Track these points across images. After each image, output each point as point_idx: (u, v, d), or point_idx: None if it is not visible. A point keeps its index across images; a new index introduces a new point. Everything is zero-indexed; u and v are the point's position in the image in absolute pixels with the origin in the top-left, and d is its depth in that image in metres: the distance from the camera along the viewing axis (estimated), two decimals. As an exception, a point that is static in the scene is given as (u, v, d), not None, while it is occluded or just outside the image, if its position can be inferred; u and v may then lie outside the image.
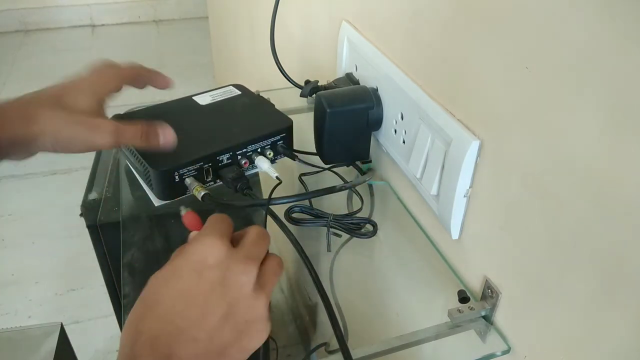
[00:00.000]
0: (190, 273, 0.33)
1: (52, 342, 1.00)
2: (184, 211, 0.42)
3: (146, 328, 0.32)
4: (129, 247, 0.62)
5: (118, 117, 0.62)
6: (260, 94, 0.72)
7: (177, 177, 0.56)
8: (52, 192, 1.98)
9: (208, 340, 0.32)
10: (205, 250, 0.34)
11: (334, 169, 0.68)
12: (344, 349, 0.42)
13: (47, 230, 1.84)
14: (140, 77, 0.54)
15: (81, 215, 0.86)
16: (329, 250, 0.59)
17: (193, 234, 0.39)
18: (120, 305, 0.57)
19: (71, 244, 1.81)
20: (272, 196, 0.55)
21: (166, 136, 0.50)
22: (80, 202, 0.88)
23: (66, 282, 1.70)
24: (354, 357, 0.45)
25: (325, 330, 0.59)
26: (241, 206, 0.59)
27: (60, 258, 1.78)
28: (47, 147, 0.44)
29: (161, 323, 0.32)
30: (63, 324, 1.05)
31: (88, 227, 0.84)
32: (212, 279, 0.33)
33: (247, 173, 0.60)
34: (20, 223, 1.87)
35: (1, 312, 1.60)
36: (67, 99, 0.45)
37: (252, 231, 0.37)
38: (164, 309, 0.33)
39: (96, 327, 1.56)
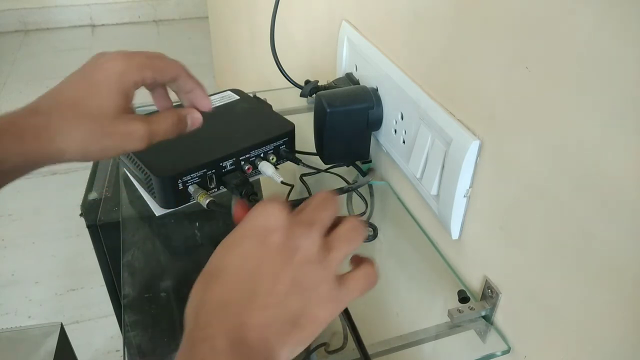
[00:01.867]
0: (254, 239, 0.32)
1: (52, 342, 1.00)
2: (234, 200, 0.40)
3: (212, 297, 0.31)
4: (129, 247, 0.62)
5: None
6: (257, 95, 0.72)
7: (180, 184, 0.56)
8: (52, 192, 1.98)
9: (278, 306, 0.31)
10: (266, 216, 0.32)
11: (335, 170, 0.68)
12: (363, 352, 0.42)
13: (47, 230, 1.84)
14: (178, 80, 0.46)
15: (81, 215, 0.86)
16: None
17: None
18: (120, 305, 0.57)
19: (71, 244, 1.81)
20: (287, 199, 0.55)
21: (194, 119, 0.47)
22: (80, 202, 0.88)
23: (66, 282, 1.70)
24: (353, 357, 0.45)
25: (325, 330, 0.59)
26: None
27: (60, 258, 1.78)
28: (75, 159, 0.41)
29: (228, 291, 0.31)
30: (63, 324, 1.05)
31: (88, 227, 0.84)
32: (276, 243, 0.32)
33: (251, 179, 0.60)
34: (20, 223, 1.87)
35: (1, 312, 1.60)
36: (91, 103, 0.40)
37: (316, 196, 0.35)
38: (229, 276, 0.31)
39: (96, 327, 1.56)
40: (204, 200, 0.55)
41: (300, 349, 0.32)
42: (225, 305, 0.30)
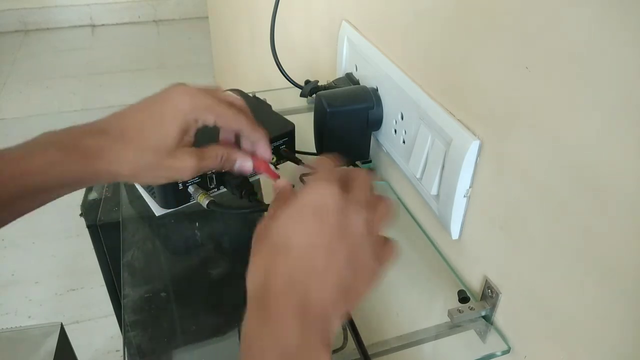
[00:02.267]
0: (311, 217, 0.34)
1: (52, 342, 1.00)
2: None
3: (278, 271, 0.33)
4: (129, 247, 0.62)
5: None
6: (257, 95, 0.72)
7: (180, 184, 0.56)
8: (52, 192, 1.98)
9: (335, 286, 0.33)
10: (324, 196, 0.35)
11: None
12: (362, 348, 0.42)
13: (47, 230, 1.84)
14: (242, 131, 0.48)
15: (81, 215, 0.86)
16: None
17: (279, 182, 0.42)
18: (120, 305, 0.57)
19: (71, 244, 1.81)
20: None
21: (243, 167, 0.49)
22: (80, 202, 0.88)
23: (66, 282, 1.70)
24: (353, 357, 0.45)
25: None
26: (250, 212, 0.59)
27: (60, 258, 1.78)
28: (124, 180, 0.44)
29: (292, 267, 0.33)
30: (63, 324, 1.05)
31: (88, 227, 0.84)
32: (333, 223, 0.34)
33: (251, 179, 0.60)
34: (20, 223, 1.86)
35: (1, 312, 1.60)
36: (153, 134, 0.42)
37: (359, 174, 0.38)
38: (294, 252, 0.34)
39: (96, 327, 1.56)
40: (204, 201, 0.55)
41: (344, 318, 0.35)
42: (291, 281, 0.33)
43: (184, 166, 0.44)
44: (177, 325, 0.59)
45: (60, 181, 0.41)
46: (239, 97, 0.49)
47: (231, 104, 0.47)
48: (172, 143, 0.43)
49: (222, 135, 0.49)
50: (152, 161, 0.43)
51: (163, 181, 0.45)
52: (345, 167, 0.39)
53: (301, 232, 0.34)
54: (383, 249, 0.37)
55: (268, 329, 0.32)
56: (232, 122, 0.46)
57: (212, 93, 0.46)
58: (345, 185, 0.36)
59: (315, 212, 0.34)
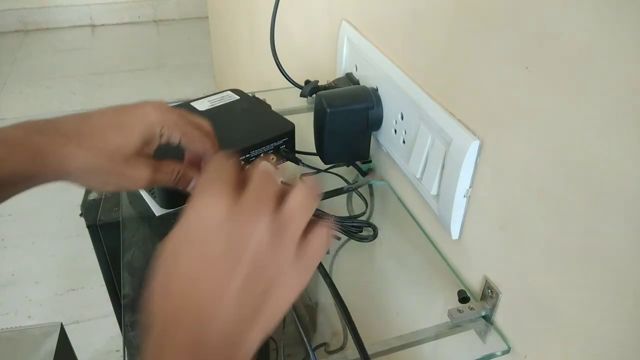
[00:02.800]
0: (197, 239, 0.30)
1: (52, 342, 1.00)
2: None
3: (167, 306, 0.30)
4: (129, 247, 0.62)
5: None
6: (256, 95, 0.72)
7: None
8: (52, 192, 1.98)
9: (236, 307, 0.29)
10: (205, 208, 0.30)
11: (335, 170, 0.68)
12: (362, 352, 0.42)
13: (47, 230, 1.84)
14: (207, 154, 0.47)
15: (81, 215, 0.86)
16: (327, 252, 0.59)
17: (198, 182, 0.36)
18: (120, 305, 0.57)
19: (71, 244, 1.81)
20: None
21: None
22: (80, 202, 0.88)
23: (66, 282, 1.70)
24: (352, 357, 0.45)
25: (325, 330, 0.59)
26: None
27: (60, 258, 1.78)
28: (72, 182, 0.42)
29: (180, 299, 0.30)
30: (63, 324, 1.05)
31: (88, 227, 0.84)
32: (223, 239, 0.29)
33: None
34: (20, 223, 1.87)
35: (1, 312, 1.60)
36: (112, 139, 0.42)
37: (255, 172, 0.32)
38: (179, 285, 0.30)
39: (96, 327, 1.56)
40: None
41: (268, 330, 0.31)
42: (179, 316, 0.29)
43: (137, 175, 0.43)
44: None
45: (6, 178, 0.39)
46: (207, 122, 0.48)
47: (199, 126, 0.47)
48: (131, 150, 0.42)
49: (187, 156, 0.48)
50: (105, 165, 0.42)
51: (111, 188, 0.44)
52: (242, 166, 0.34)
53: (186, 260, 0.30)
54: (306, 243, 0.32)
55: None
56: (197, 143, 0.46)
57: (183, 113, 0.46)
58: (241, 186, 0.31)
59: (199, 231, 0.30)
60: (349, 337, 0.46)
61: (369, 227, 0.61)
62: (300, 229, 0.32)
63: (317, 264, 0.33)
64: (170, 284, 0.30)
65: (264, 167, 0.32)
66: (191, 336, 0.29)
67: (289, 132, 0.63)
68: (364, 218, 0.63)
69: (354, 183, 0.66)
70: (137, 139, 0.43)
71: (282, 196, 0.32)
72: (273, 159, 0.62)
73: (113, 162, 0.42)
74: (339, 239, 0.60)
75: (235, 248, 0.29)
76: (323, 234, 0.33)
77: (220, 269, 0.29)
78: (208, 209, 0.30)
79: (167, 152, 0.46)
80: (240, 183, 0.31)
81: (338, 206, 0.66)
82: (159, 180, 0.45)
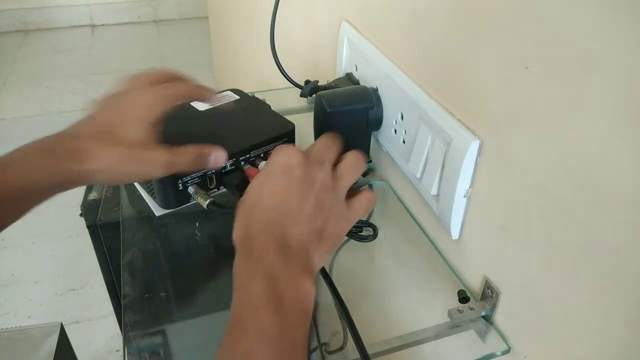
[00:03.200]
0: (279, 175, 0.40)
1: (52, 342, 1.00)
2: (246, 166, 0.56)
3: (255, 221, 0.39)
4: (129, 247, 0.62)
5: None
6: (256, 95, 0.72)
7: (180, 184, 0.56)
8: (52, 192, 1.98)
9: (307, 224, 0.39)
10: (286, 156, 0.41)
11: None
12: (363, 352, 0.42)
13: (47, 230, 1.84)
14: (189, 96, 0.53)
15: (81, 215, 0.86)
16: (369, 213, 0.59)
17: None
18: (120, 305, 0.57)
19: (71, 244, 1.81)
20: None
21: (218, 158, 0.51)
22: (80, 202, 0.88)
23: (66, 282, 1.70)
24: (353, 357, 0.45)
25: (325, 330, 0.59)
26: None
27: (60, 258, 1.78)
28: (99, 181, 0.45)
29: (268, 213, 0.39)
30: (63, 324, 1.05)
31: (88, 227, 0.85)
32: (298, 176, 0.39)
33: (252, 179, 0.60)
34: (20, 223, 1.86)
35: (1, 312, 1.60)
36: (117, 131, 0.45)
37: (322, 138, 0.44)
38: (266, 204, 0.39)
39: (96, 327, 1.56)
40: (204, 201, 0.55)
41: (327, 257, 0.41)
42: (268, 223, 0.38)
43: (156, 158, 0.46)
44: (177, 324, 0.59)
45: (35, 185, 0.43)
46: (174, 74, 0.52)
47: (180, 80, 0.52)
48: (139, 137, 0.46)
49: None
50: (123, 154, 0.45)
51: (136, 178, 0.48)
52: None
53: (271, 188, 0.40)
54: (354, 197, 0.42)
55: (253, 260, 0.36)
56: (188, 95, 0.52)
57: (164, 86, 0.49)
58: (310, 150, 0.42)
59: (281, 170, 0.40)
60: (349, 337, 0.46)
61: (368, 227, 0.61)
62: (350, 182, 0.42)
63: (361, 216, 0.43)
64: (261, 202, 0.40)
65: (329, 136, 0.44)
66: (278, 239, 0.37)
67: (289, 132, 0.63)
68: (364, 218, 0.63)
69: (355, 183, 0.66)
70: (142, 125, 0.46)
71: (338, 161, 0.43)
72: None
73: (129, 150, 0.45)
74: None
75: (307, 181, 0.40)
76: (369, 194, 0.44)
77: (297, 194, 0.39)
78: (289, 155, 0.41)
79: (184, 136, 0.50)
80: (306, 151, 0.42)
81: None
82: (178, 162, 0.48)
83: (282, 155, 0.41)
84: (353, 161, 0.43)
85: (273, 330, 0.33)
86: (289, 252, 0.37)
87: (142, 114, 0.46)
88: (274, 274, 0.35)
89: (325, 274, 0.46)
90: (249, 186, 0.42)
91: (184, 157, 0.48)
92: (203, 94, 0.54)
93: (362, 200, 0.43)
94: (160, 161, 0.46)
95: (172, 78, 0.52)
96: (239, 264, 0.37)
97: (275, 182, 0.40)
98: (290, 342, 0.34)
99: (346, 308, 0.44)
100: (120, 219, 0.66)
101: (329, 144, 0.43)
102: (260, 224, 0.38)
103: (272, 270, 0.36)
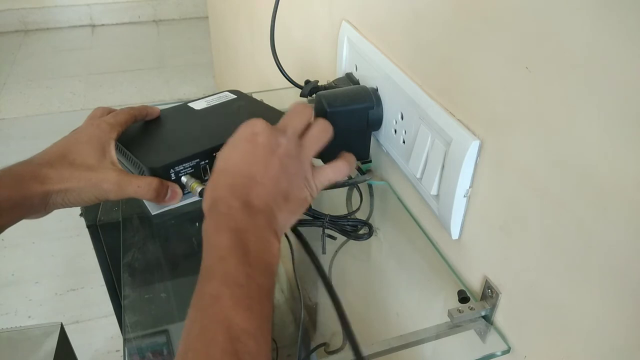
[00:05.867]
0: (245, 142, 0.43)
1: (52, 342, 1.00)
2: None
3: (221, 184, 0.41)
4: (129, 247, 0.62)
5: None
6: (256, 95, 0.72)
7: (172, 174, 0.55)
8: (52, 192, 1.98)
9: (271, 186, 0.41)
10: (251, 126, 0.44)
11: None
12: (356, 350, 0.42)
13: (47, 230, 1.85)
14: (135, 119, 0.58)
15: (81, 215, 0.86)
16: (323, 252, 0.59)
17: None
18: (120, 305, 0.57)
19: (71, 244, 1.81)
20: None
21: (174, 191, 0.53)
22: (80, 202, 0.87)
23: (66, 282, 1.70)
24: (352, 358, 0.45)
25: (325, 330, 0.60)
26: None
27: (60, 258, 1.78)
28: (59, 203, 0.48)
29: (233, 178, 0.41)
30: (63, 324, 1.05)
31: (88, 227, 0.84)
32: (262, 142, 0.42)
33: None
34: (20, 223, 1.86)
35: (1, 312, 1.60)
36: (72, 155, 0.49)
37: (291, 107, 0.47)
38: (232, 170, 0.42)
39: (96, 327, 1.56)
40: (195, 190, 0.54)
41: (292, 219, 0.43)
42: (233, 187, 0.41)
43: (105, 178, 0.49)
44: (177, 324, 0.59)
45: (5, 204, 0.46)
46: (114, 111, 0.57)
47: (117, 112, 0.56)
48: (92, 160, 0.50)
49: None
50: (77, 174, 0.48)
51: (90, 196, 0.50)
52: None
53: (237, 155, 0.43)
54: (319, 168, 0.46)
55: (220, 218, 0.39)
56: (131, 118, 0.56)
57: (114, 115, 0.55)
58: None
59: (245, 138, 0.43)
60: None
61: (364, 225, 0.60)
62: (314, 151, 0.46)
63: (324, 186, 0.46)
64: (227, 169, 0.42)
65: (298, 104, 0.47)
66: (243, 199, 0.40)
67: None
68: (360, 215, 0.63)
69: (352, 179, 0.66)
70: (94, 151, 0.50)
71: (307, 126, 0.46)
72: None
73: (82, 172, 0.49)
74: (334, 238, 0.60)
75: (271, 147, 0.42)
76: (335, 166, 0.48)
77: (262, 159, 0.42)
78: (254, 124, 0.44)
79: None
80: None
81: (337, 204, 0.66)
82: (128, 183, 0.50)
83: (247, 126, 0.44)
84: (318, 131, 0.46)
85: (239, 275, 0.35)
86: (253, 210, 0.39)
87: (94, 141, 0.51)
88: (239, 227, 0.38)
89: (323, 274, 0.46)
90: (217, 156, 0.44)
91: (135, 181, 0.50)
92: (148, 112, 0.59)
93: (327, 170, 0.46)
94: (112, 181, 0.49)
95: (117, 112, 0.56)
96: (207, 224, 0.39)
97: (240, 149, 0.43)
98: (256, 289, 0.35)
99: (342, 310, 0.43)
100: (120, 219, 0.66)
101: (296, 114, 0.46)
102: (225, 188, 0.41)
103: (237, 224, 0.38)
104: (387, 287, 0.60)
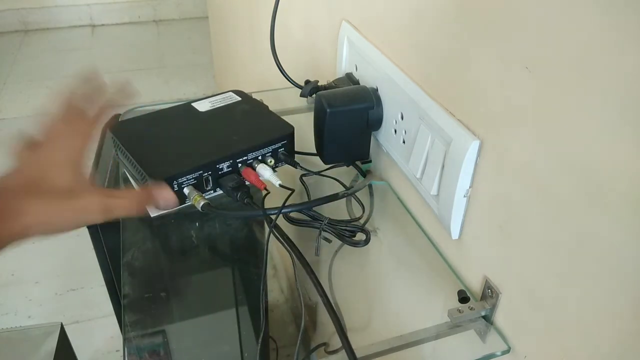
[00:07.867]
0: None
1: (52, 342, 1.00)
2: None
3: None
4: (129, 247, 0.62)
5: (116, 129, 0.62)
6: (256, 95, 0.72)
7: (175, 185, 0.55)
8: (52, 192, 1.98)
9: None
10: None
11: (335, 169, 0.68)
12: (347, 346, 0.42)
13: (47, 230, 1.84)
14: (103, 116, 0.51)
15: (81, 215, 0.86)
16: (316, 254, 0.59)
17: None
18: (120, 305, 0.57)
19: (71, 244, 1.81)
20: (283, 204, 0.55)
21: (164, 198, 0.49)
22: (80, 202, 0.87)
23: (66, 282, 1.70)
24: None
25: (325, 330, 0.59)
26: (246, 216, 0.59)
27: (60, 258, 1.78)
28: (37, 235, 0.42)
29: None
30: (63, 324, 1.05)
31: (88, 227, 0.84)
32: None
33: (248, 181, 0.60)
34: (20, 223, 1.86)
35: (1, 312, 1.60)
36: (46, 181, 0.42)
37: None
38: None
39: (96, 327, 1.56)
40: (198, 203, 0.54)
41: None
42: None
43: (85, 204, 0.43)
44: (176, 324, 0.59)
45: None
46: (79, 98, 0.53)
47: (80, 126, 0.49)
48: (66, 183, 0.43)
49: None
50: (53, 204, 0.42)
51: (72, 226, 0.43)
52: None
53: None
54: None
55: None
56: (98, 103, 0.52)
57: (77, 126, 0.48)
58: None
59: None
60: (349, 336, 0.46)
61: (362, 232, 0.60)
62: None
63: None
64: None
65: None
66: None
67: (288, 135, 0.63)
68: (361, 222, 0.63)
69: (350, 188, 0.66)
70: (65, 171, 0.44)
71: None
72: (271, 162, 0.62)
73: (61, 199, 0.42)
74: (330, 241, 0.60)
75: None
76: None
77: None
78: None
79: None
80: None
81: (339, 207, 0.66)
82: (115, 205, 0.45)
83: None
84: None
85: None
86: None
87: (65, 159, 0.44)
88: None
89: (314, 278, 0.45)
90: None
91: (121, 201, 0.45)
92: (120, 98, 0.52)
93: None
94: (94, 206, 0.44)
95: (82, 104, 0.51)
96: None
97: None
98: None
99: (335, 312, 0.43)
100: (120, 219, 0.66)
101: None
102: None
103: None
104: (387, 287, 0.60)
